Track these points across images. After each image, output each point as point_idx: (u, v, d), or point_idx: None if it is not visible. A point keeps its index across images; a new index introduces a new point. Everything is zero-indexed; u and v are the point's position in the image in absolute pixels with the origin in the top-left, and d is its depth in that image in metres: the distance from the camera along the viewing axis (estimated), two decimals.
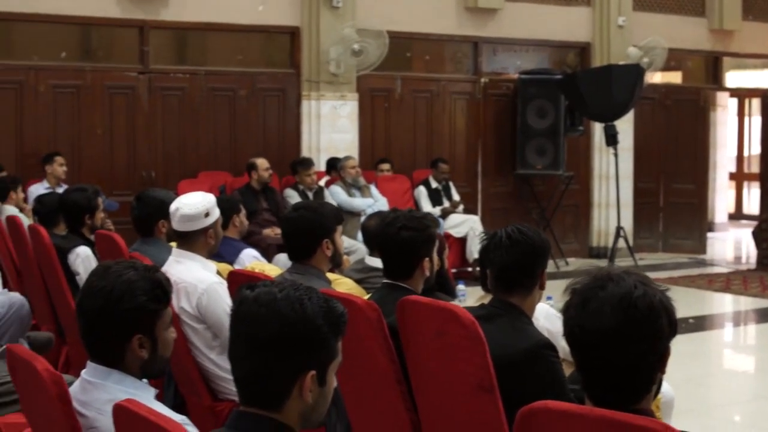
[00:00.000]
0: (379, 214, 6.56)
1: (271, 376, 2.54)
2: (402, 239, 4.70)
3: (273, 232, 11.21)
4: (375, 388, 4.30)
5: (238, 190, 11.46)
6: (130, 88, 12.76)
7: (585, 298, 2.72)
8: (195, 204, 5.47)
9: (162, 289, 3.29)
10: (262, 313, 2.54)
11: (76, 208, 6.91)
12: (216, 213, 5.52)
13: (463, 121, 15.17)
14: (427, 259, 4.75)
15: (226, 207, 6.42)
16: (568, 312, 2.76)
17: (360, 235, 10.80)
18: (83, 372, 3.29)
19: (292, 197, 11.94)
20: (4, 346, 5.44)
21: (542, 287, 4.22)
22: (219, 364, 5.27)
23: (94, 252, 6.73)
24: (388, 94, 14.50)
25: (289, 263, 5.31)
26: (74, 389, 3.19)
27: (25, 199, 10.62)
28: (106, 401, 3.11)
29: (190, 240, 5.47)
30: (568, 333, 2.74)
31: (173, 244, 5.82)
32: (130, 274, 3.25)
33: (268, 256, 9.74)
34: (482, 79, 15.21)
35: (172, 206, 5.55)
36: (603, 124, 14.89)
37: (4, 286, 8.25)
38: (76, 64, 12.47)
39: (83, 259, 6.69)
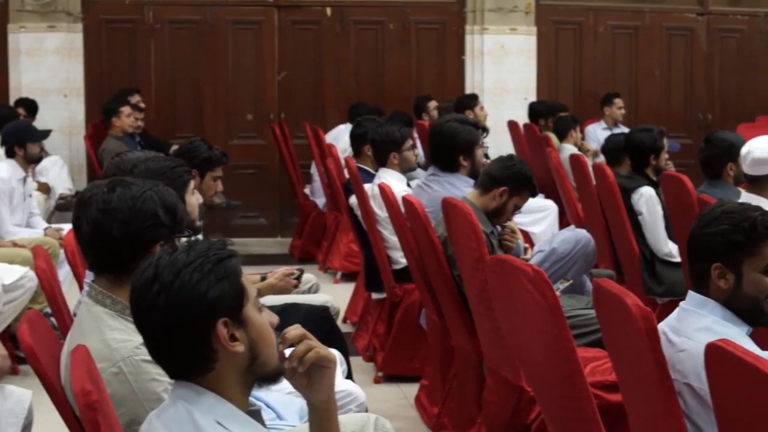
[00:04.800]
0: None
1: None
2: None
3: None
4: None
5: None
6: (688, 29, 12.56)
7: None
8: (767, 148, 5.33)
9: (752, 225, 3.27)
10: None
11: (642, 148, 6.88)
12: None
13: None
14: None
15: None
16: None
17: None
18: (682, 303, 3.39)
19: None
20: (571, 281, 5.56)
21: None
22: None
23: (657, 193, 6.69)
24: None
25: None
26: (671, 317, 3.32)
27: (582, 139, 10.77)
28: (697, 329, 3.23)
29: (760, 184, 5.35)
30: None
31: (740, 188, 5.69)
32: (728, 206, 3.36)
33: None
34: None
35: (743, 149, 5.45)
36: None
37: (563, 224, 8.44)
38: (635, 5, 12.44)
39: (647, 200, 6.66)
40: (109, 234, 3.17)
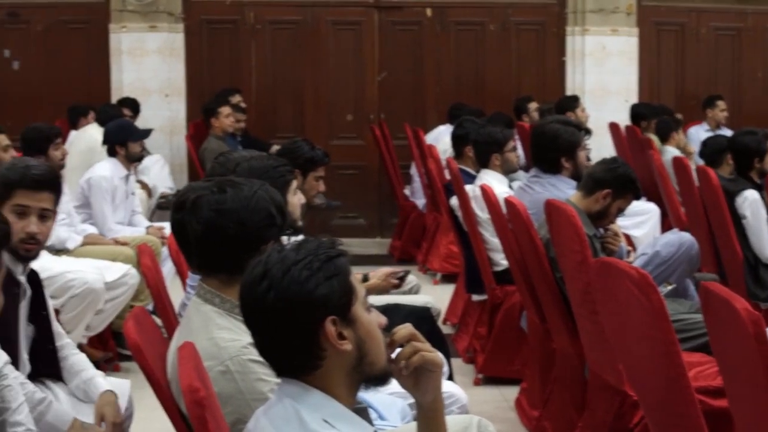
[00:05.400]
0: None
1: None
2: None
3: None
4: None
5: None
6: None
7: None
8: None
9: None
10: None
11: (746, 151, 6.78)
12: None
13: None
14: None
15: None
16: None
17: None
18: None
19: None
20: (674, 285, 5.50)
21: None
22: None
23: (762, 196, 6.59)
24: None
25: None
26: None
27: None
28: None
29: None
30: None
31: None
32: None
33: None
34: None
35: None
36: None
37: (665, 227, 8.34)
38: (738, 6, 12.25)
39: (751, 203, 6.56)
40: (224, 234, 3.18)
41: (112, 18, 11.23)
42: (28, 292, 3.98)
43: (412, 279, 5.68)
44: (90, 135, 9.47)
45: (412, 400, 3.46)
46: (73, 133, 9.94)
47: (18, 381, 3.58)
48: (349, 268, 2.49)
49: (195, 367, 2.73)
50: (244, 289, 2.49)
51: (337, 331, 2.44)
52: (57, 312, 4.52)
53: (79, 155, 8.98)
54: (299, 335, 2.43)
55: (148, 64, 11.21)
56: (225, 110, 10.05)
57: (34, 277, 4.05)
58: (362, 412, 2.57)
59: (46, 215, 4.05)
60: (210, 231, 3.21)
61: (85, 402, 3.98)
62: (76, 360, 4.11)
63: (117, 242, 7.12)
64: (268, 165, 4.24)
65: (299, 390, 2.47)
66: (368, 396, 3.36)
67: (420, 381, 2.55)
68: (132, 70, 11.19)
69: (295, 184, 4.36)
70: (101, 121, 9.44)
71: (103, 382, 4.01)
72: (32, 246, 3.98)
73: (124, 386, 4.07)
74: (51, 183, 4.07)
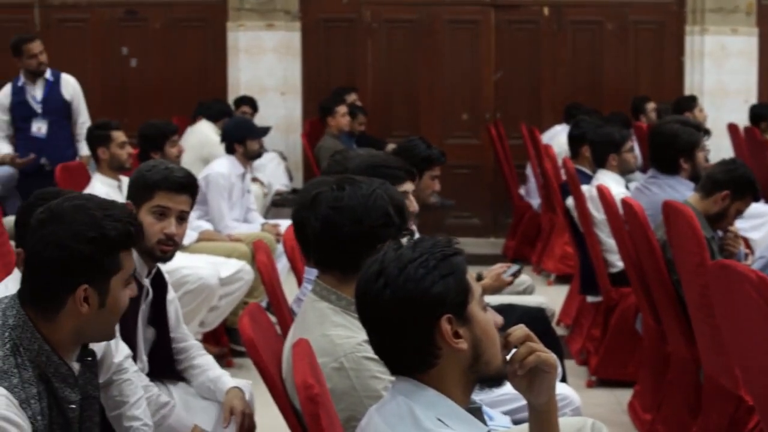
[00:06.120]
0: None
1: None
2: None
3: None
4: None
5: None
6: None
7: None
8: None
9: None
10: None
11: None
12: None
13: None
14: None
15: None
16: None
17: None
18: None
19: None
20: None
21: None
22: None
23: None
24: None
25: None
26: None
27: None
28: None
29: None
30: None
31: None
32: None
33: None
34: None
35: None
36: None
37: None
38: None
39: None
40: (339, 231, 3.21)
41: (229, 16, 11.37)
42: (150, 295, 4.01)
43: (526, 279, 5.64)
44: (200, 130, 9.63)
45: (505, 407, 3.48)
46: (188, 129, 10.09)
47: (138, 375, 3.64)
48: (465, 267, 2.49)
49: (309, 364, 2.75)
50: (360, 286, 2.51)
51: (452, 330, 2.43)
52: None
53: (191, 150, 9.11)
54: (415, 333, 2.43)
55: (265, 63, 11.33)
56: (342, 109, 10.10)
57: (159, 281, 4.07)
58: (476, 411, 2.56)
59: (184, 217, 4.07)
60: (326, 228, 3.24)
61: (205, 399, 4.02)
62: (203, 360, 4.13)
63: (232, 239, 7.20)
64: (374, 164, 4.22)
65: (413, 388, 2.47)
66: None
67: (534, 382, 2.53)
68: (249, 69, 11.32)
69: (406, 186, 4.29)
70: (208, 117, 9.62)
71: (230, 380, 4.04)
72: (169, 247, 3.99)
73: (246, 387, 4.09)
74: (191, 186, 4.08)
